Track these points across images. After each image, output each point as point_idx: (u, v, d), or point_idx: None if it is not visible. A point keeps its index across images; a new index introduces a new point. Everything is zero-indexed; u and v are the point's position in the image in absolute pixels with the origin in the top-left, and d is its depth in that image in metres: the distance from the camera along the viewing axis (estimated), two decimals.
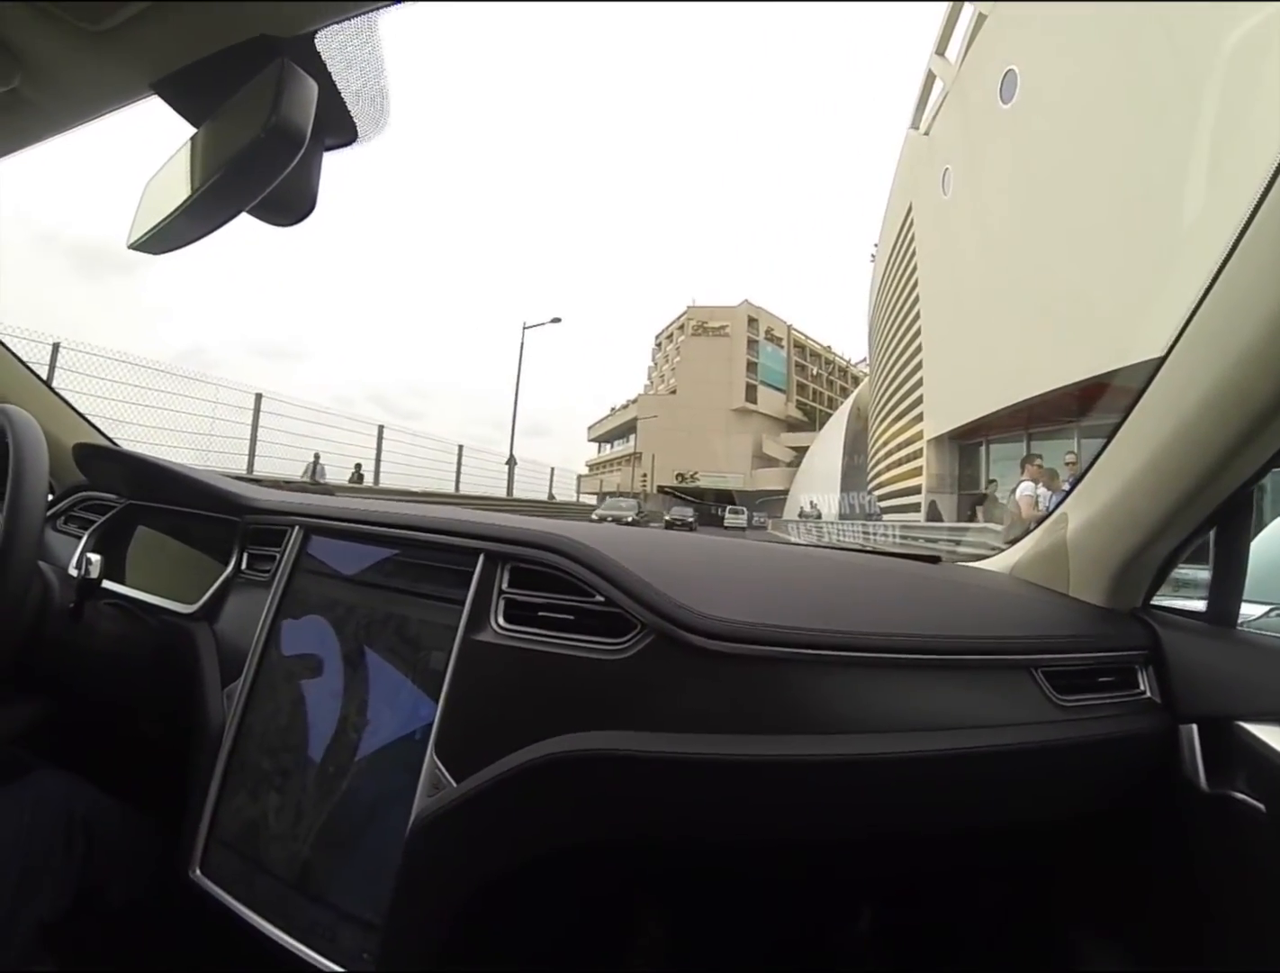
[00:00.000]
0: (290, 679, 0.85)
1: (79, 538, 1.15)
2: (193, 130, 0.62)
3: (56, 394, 1.36)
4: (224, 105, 0.56)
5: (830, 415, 50.12)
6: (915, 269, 21.84)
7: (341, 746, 0.78)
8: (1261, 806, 0.68)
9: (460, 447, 15.88)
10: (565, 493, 24.48)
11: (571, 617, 0.71)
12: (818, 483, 35.73)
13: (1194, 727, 0.76)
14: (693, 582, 0.72)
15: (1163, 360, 0.73)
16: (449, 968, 0.69)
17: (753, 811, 0.67)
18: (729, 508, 38.64)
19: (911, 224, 22.47)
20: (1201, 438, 0.69)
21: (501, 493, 17.61)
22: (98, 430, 1.41)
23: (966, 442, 17.85)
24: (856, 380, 58.33)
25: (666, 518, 27.16)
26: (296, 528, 0.92)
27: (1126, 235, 10.23)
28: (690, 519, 27.62)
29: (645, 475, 50.63)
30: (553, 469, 23.06)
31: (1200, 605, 0.86)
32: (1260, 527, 0.96)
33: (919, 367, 20.96)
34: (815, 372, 65.80)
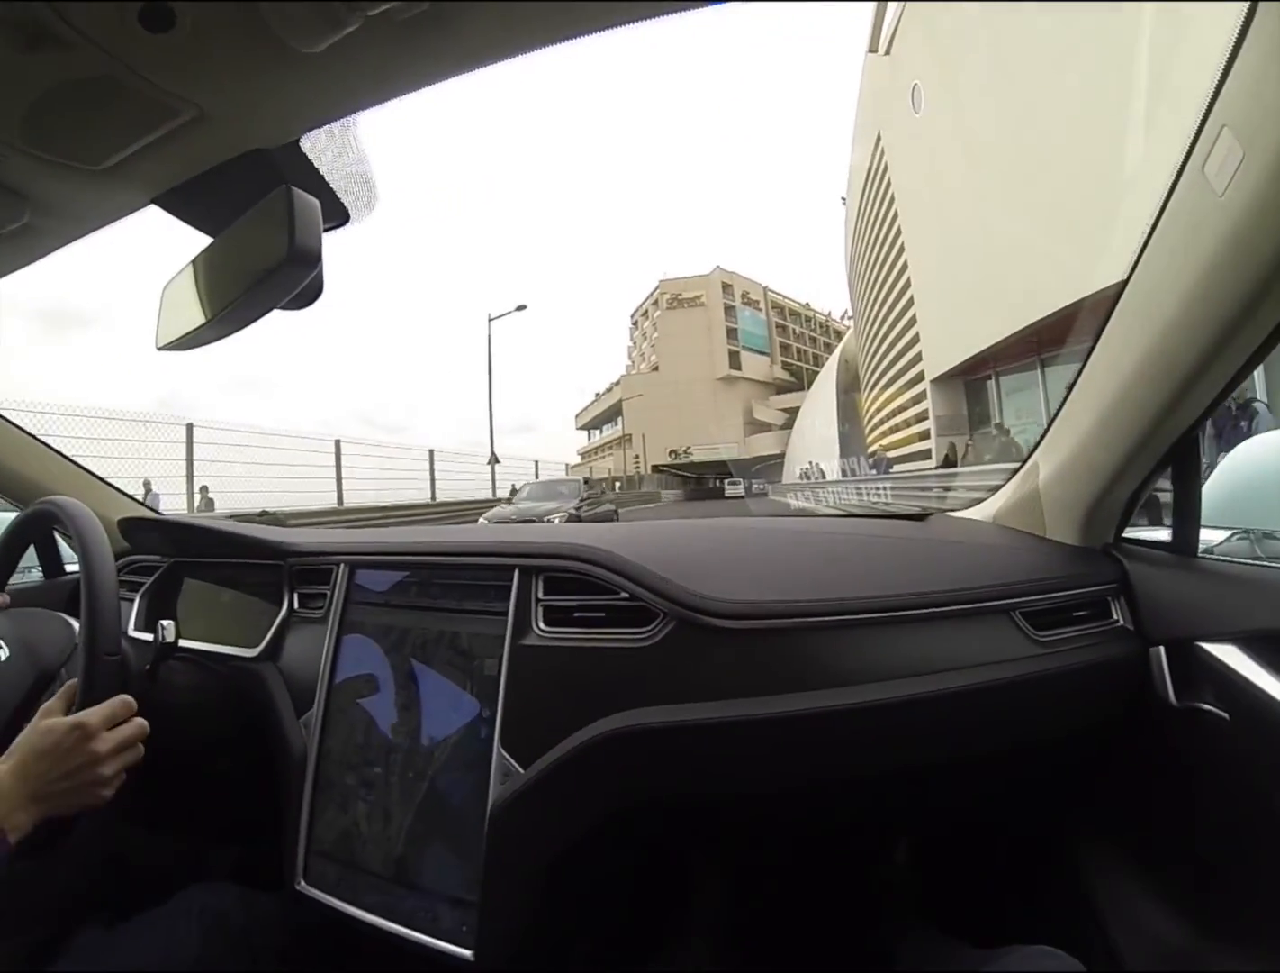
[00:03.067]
0: (359, 702, 0.95)
1: (130, 600, 1.23)
2: (198, 235, 0.69)
3: (89, 471, 1.45)
4: (236, 227, 0.63)
5: (818, 373, 49.01)
6: (893, 202, 20.69)
7: (416, 752, 0.89)
8: (1225, 714, 0.76)
9: (431, 451, 15.17)
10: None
11: (602, 614, 0.81)
12: (814, 444, 34.20)
13: (1162, 649, 0.84)
14: (704, 570, 0.82)
15: (1103, 325, 0.81)
16: (538, 932, 0.80)
17: (765, 762, 0.79)
18: (728, 481, 40.74)
19: (883, 154, 21.32)
20: (1140, 398, 0.77)
21: (486, 494, 17.09)
22: (131, 498, 1.50)
23: (972, 378, 16.82)
24: (839, 334, 56.95)
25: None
26: (342, 566, 1.02)
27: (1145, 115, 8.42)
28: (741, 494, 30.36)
29: (638, 456, 50.90)
30: (536, 462, 22.62)
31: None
32: None
33: (910, 304, 19.88)
34: (797, 330, 66.20)
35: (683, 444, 55.33)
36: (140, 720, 0.78)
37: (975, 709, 0.80)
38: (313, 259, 0.57)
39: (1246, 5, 0.52)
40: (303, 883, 0.91)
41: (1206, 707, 0.78)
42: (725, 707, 0.75)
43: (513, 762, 0.80)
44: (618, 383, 64.69)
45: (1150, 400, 0.75)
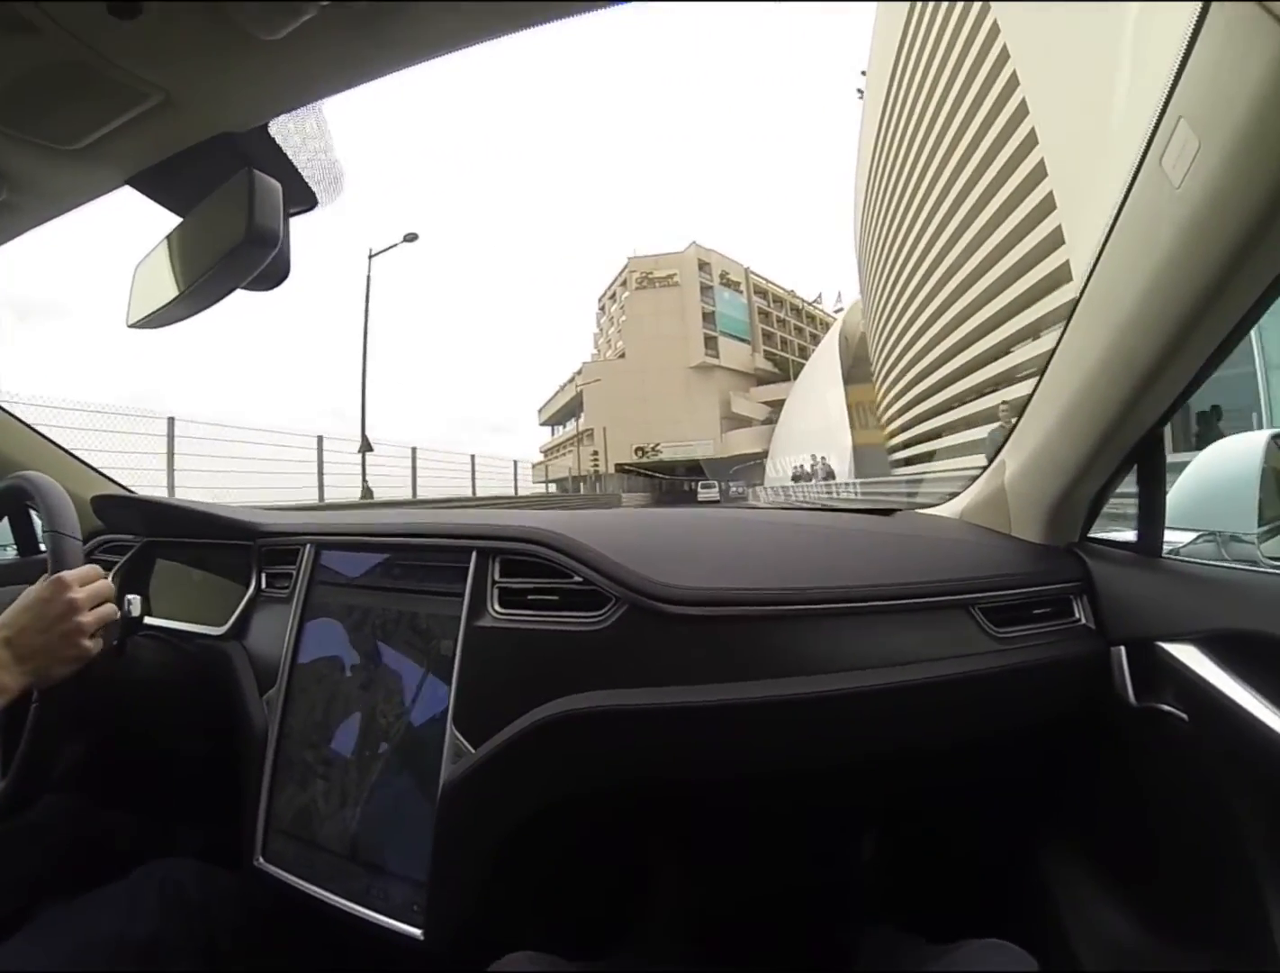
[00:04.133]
0: (320, 681, 0.96)
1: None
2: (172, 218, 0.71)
3: (66, 451, 1.46)
4: (201, 207, 0.65)
5: (804, 364, 45.14)
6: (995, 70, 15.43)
7: (373, 731, 0.89)
8: (1184, 715, 0.76)
9: (414, 449, 14.91)
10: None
11: (556, 597, 0.82)
12: (810, 437, 31.11)
13: (1122, 649, 0.85)
14: (660, 557, 0.82)
15: (1066, 323, 0.81)
16: (488, 912, 0.81)
17: (716, 749, 0.79)
18: (701, 484, 36.88)
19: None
20: (1102, 395, 0.77)
21: (467, 491, 16.72)
22: (108, 479, 1.51)
23: None
24: (825, 325, 53.78)
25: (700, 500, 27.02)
26: (308, 546, 1.03)
27: None
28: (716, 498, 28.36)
29: (596, 453, 42.73)
30: (515, 462, 21.63)
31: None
32: None
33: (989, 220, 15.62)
34: (781, 317, 59.69)
35: (650, 440, 50.13)
36: (109, 582, 0.83)
37: (931, 703, 0.81)
38: (272, 240, 0.59)
39: None
40: (261, 860, 0.92)
41: (1166, 707, 0.78)
42: (676, 693, 0.75)
43: (464, 742, 0.80)
44: (579, 372, 58.24)
45: (1112, 397, 0.76)
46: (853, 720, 0.79)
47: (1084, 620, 0.89)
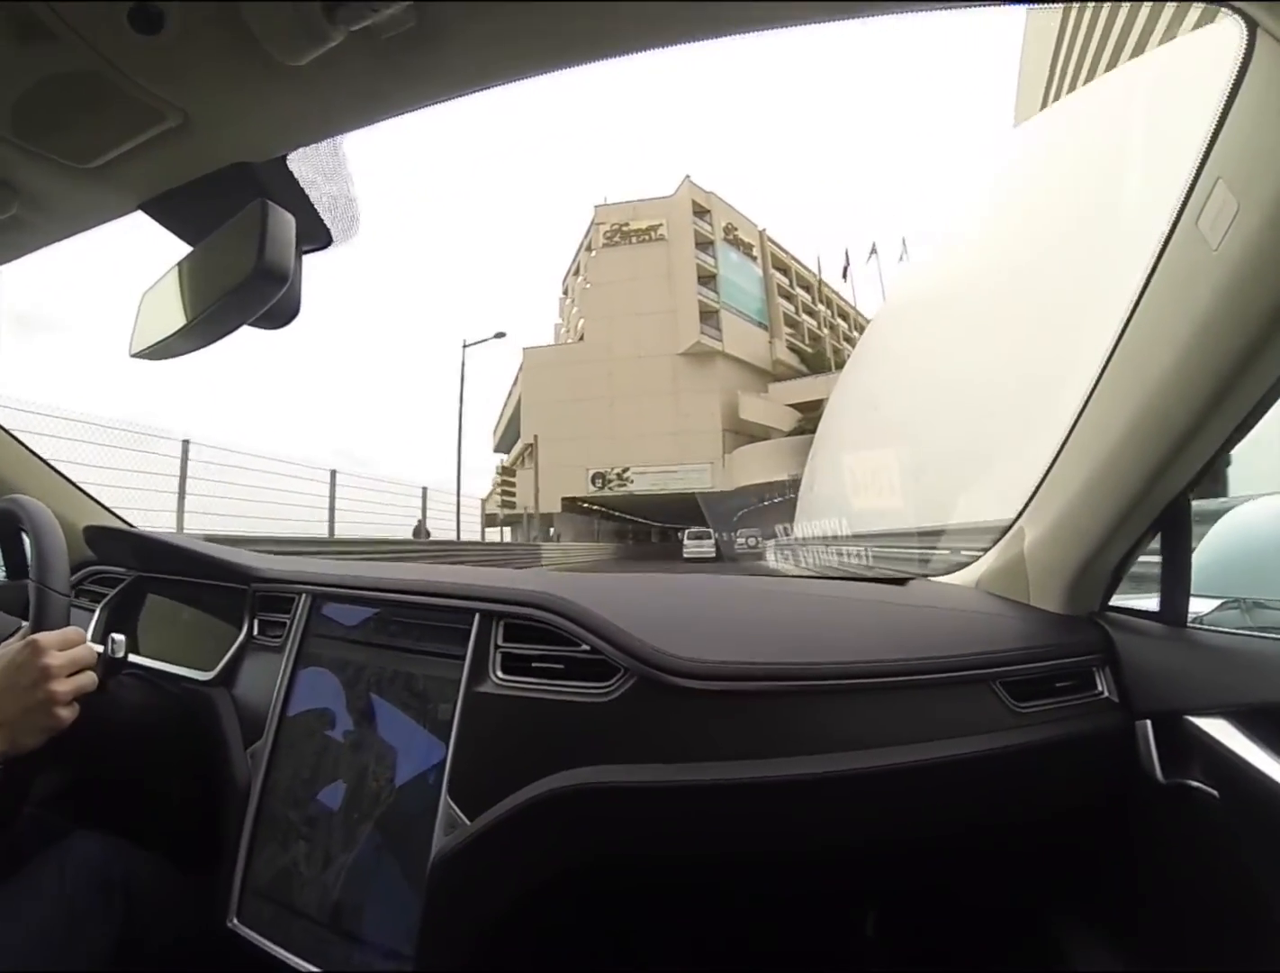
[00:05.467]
0: (309, 736, 0.91)
1: (90, 611, 1.21)
2: (182, 245, 0.69)
3: (61, 475, 1.42)
4: (212, 238, 0.63)
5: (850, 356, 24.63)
6: None
7: (362, 793, 0.85)
8: (1215, 791, 0.73)
9: (425, 489, 13.05)
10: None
11: (562, 665, 0.78)
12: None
13: (1148, 722, 0.81)
14: (669, 626, 0.79)
15: (1095, 386, 0.79)
16: None
17: (723, 829, 0.75)
18: (689, 532, 23.07)
19: None
20: (1130, 459, 0.75)
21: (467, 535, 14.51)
22: (101, 505, 1.47)
23: None
24: (861, 328, 33.04)
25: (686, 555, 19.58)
26: (305, 595, 0.99)
27: None
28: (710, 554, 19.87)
29: (507, 482, 23.10)
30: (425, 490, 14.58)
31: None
32: None
33: None
34: (808, 302, 39.75)
35: (616, 464, 31.54)
36: (91, 645, 0.79)
37: (950, 782, 0.77)
38: (282, 276, 0.57)
39: (1241, 57, 0.51)
40: (235, 921, 0.87)
41: (1195, 783, 0.74)
42: (684, 770, 0.71)
43: (459, 812, 0.76)
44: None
45: (1142, 461, 0.74)
46: (874, 800, 0.75)
47: (1107, 693, 0.86)
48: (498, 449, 41.50)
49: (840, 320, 41.47)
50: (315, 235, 0.73)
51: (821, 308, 40.86)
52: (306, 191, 0.69)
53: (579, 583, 0.90)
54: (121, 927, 0.82)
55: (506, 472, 21.04)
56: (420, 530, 11.98)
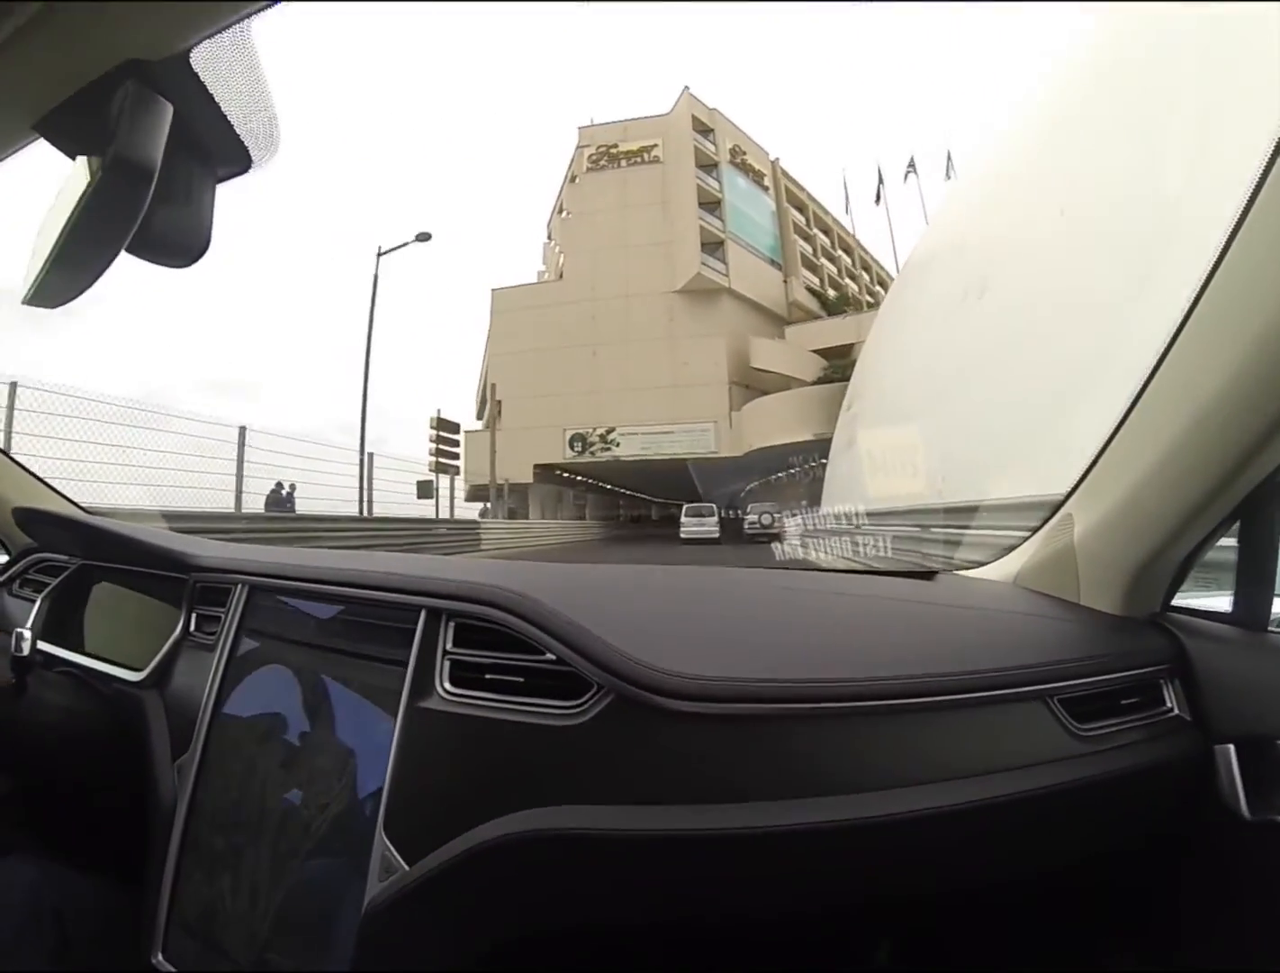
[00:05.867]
0: (238, 751, 0.80)
1: (32, 601, 1.10)
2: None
3: (3, 452, 1.31)
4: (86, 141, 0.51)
5: (880, 305, 20.50)
6: None
7: (293, 821, 0.73)
8: None
9: (370, 455, 10.58)
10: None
11: (521, 678, 0.64)
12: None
13: (1230, 747, 0.69)
14: (656, 631, 0.65)
15: (1173, 340, 0.65)
16: None
17: (731, 889, 0.61)
18: (687, 509, 18.73)
19: None
20: (1223, 426, 0.61)
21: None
22: (50, 487, 1.34)
23: None
24: (884, 285, 30.11)
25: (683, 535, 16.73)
26: (240, 586, 0.87)
27: None
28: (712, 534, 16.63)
29: (440, 438, 15.22)
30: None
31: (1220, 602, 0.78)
32: None
33: None
34: (828, 246, 33.87)
35: (598, 423, 25.72)
36: None
37: (1003, 825, 0.63)
38: (143, 170, 0.45)
39: None
40: (160, 957, 0.76)
41: None
42: (673, 815, 0.57)
43: (395, 855, 0.63)
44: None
45: (1233, 434, 0.60)
46: (909, 850, 0.61)
47: (1176, 710, 0.72)
48: (480, 416, 31.56)
49: (864, 273, 35.20)
50: (232, 156, 0.62)
51: (843, 255, 34.24)
52: (218, 100, 0.58)
53: (547, 574, 0.76)
54: (49, 959, 0.77)
55: (444, 426, 14.93)
56: (281, 500, 8.80)
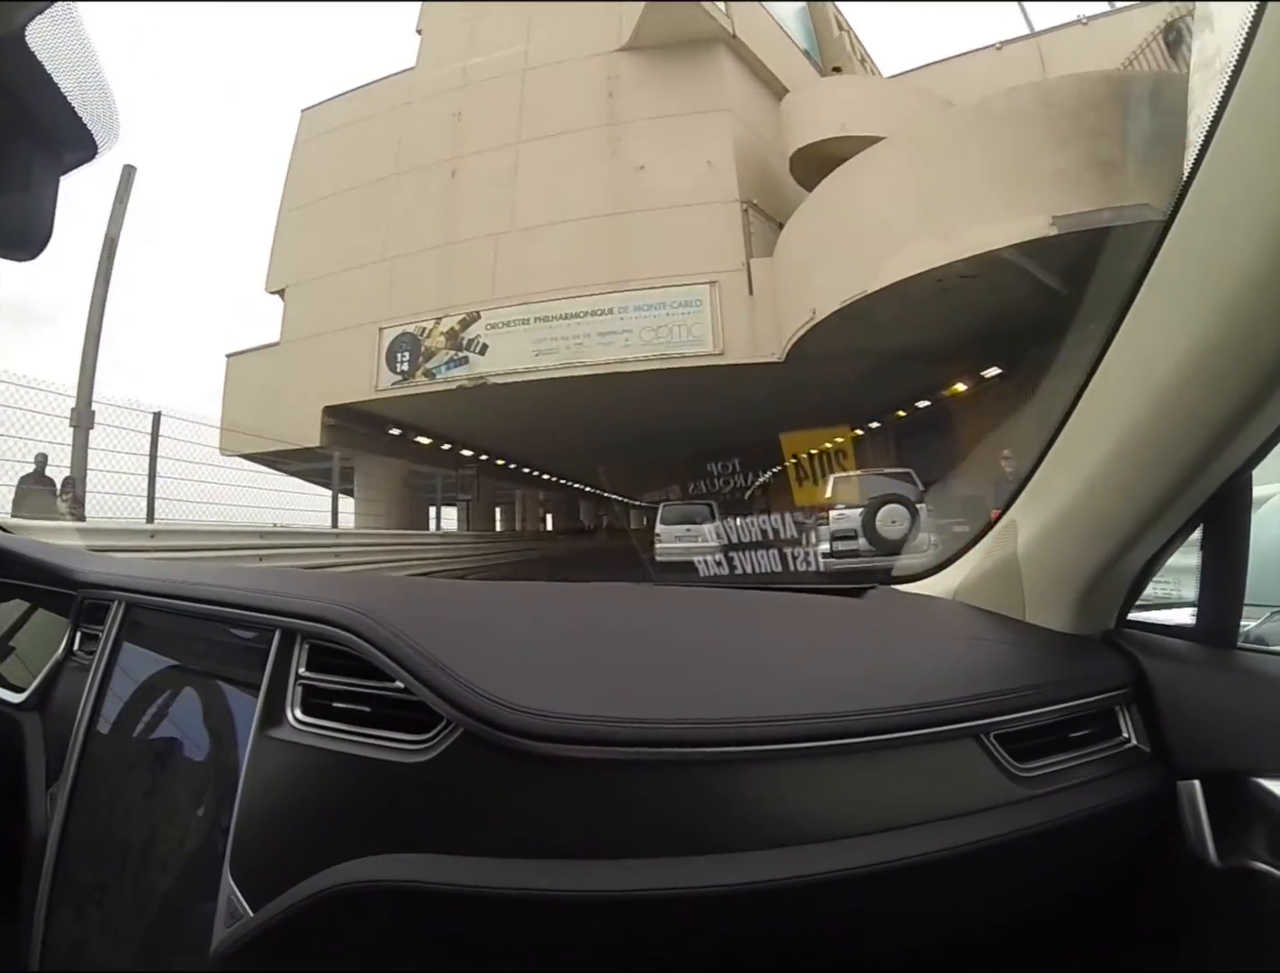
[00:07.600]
0: (107, 779, 0.75)
1: None
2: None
3: None
4: None
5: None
6: None
7: (151, 856, 0.68)
8: None
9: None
10: None
11: (368, 708, 0.58)
12: None
13: (1196, 784, 0.61)
14: (524, 659, 0.59)
15: (1123, 313, 0.57)
16: None
17: (585, 959, 0.53)
18: (664, 511, 9.39)
19: None
20: (1187, 414, 0.54)
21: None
22: None
23: None
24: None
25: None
26: (118, 603, 0.82)
27: None
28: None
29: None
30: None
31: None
32: None
33: None
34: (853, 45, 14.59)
35: (448, 305, 11.04)
36: None
37: (919, 889, 0.55)
38: None
39: None
40: None
41: (1262, 866, 0.56)
42: (529, 871, 0.50)
43: (240, 899, 0.57)
44: None
45: (1204, 412, 0.53)
46: (806, 917, 0.53)
47: (1134, 741, 0.64)
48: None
49: None
50: (77, 143, 0.59)
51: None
52: (59, 84, 0.56)
53: (419, 589, 0.71)
54: None
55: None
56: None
